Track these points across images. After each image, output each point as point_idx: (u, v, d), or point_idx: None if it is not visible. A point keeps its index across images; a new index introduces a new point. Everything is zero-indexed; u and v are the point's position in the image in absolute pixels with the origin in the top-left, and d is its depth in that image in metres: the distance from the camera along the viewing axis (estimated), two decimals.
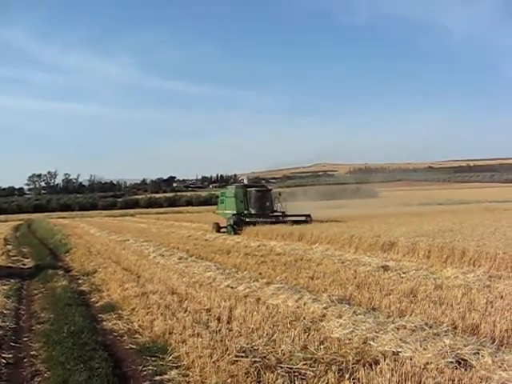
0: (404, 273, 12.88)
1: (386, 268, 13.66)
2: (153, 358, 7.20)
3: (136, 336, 8.52)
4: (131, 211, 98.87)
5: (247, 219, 30.28)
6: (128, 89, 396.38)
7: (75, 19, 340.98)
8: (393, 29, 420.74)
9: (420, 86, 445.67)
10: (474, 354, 6.31)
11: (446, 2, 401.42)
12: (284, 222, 29.15)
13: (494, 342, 6.87)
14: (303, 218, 30.87)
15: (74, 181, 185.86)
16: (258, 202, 32.18)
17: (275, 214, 31.90)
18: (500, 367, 5.87)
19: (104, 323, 9.66)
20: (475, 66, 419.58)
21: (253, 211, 31.67)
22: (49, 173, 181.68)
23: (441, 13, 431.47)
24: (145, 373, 6.80)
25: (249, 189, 33.02)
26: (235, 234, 28.65)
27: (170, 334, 8.20)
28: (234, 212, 31.39)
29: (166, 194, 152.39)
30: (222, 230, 31.32)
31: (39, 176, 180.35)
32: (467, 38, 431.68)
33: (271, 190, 34.96)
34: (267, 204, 32.57)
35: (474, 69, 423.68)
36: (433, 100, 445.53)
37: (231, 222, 30.33)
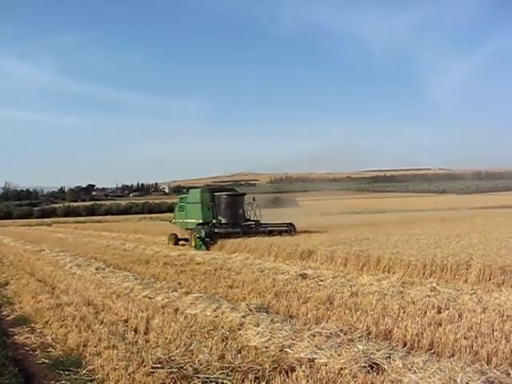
0: (321, 280, 13.13)
1: (304, 276, 13.87)
2: (66, 372, 6.96)
3: (49, 350, 8.21)
4: (48, 220, 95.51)
5: (216, 230, 25.48)
6: (47, 93, 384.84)
7: None
8: (315, 39, 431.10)
9: (339, 97, 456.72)
10: (386, 358, 6.48)
11: (367, 15, 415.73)
12: (261, 233, 25.57)
13: (405, 346, 7.11)
14: (284, 228, 26.79)
15: None
16: (229, 208, 27.08)
17: (249, 223, 27.17)
18: (410, 370, 6.06)
19: (15, 337, 9.25)
20: (393, 78, 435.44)
21: (223, 220, 26.66)
22: None
23: (361, 25, 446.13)
24: None
25: (217, 193, 27.66)
26: (207, 249, 24.02)
27: (84, 346, 7.98)
28: (200, 221, 26.67)
29: (84, 203, 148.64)
30: (181, 242, 28.03)
31: None
32: (385, 49, 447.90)
33: (244, 194, 29.77)
34: (240, 211, 27.55)
35: (391, 80, 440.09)
36: (351, 110, 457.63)
37: (202, 233, 24.80)
